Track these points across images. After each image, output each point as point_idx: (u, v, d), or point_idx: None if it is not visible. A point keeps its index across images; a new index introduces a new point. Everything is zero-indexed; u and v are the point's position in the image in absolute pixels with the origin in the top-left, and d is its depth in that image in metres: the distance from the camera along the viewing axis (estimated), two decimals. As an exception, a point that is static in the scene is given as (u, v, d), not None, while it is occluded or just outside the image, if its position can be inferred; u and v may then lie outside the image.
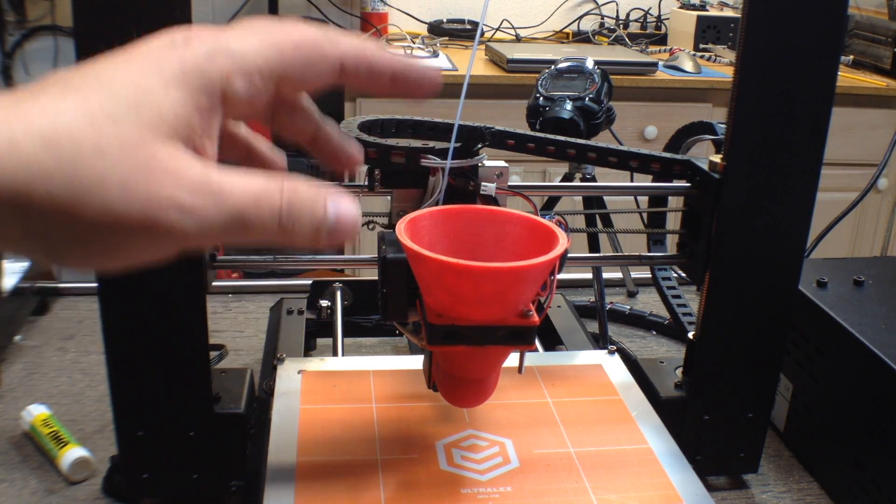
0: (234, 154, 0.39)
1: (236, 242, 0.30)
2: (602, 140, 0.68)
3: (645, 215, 0.79)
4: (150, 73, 0.29)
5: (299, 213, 0.31)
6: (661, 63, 2.09)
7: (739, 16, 0.55)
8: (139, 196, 0.27)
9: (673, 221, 0.70)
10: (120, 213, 0.27)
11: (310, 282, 0.82)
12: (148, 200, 0.27)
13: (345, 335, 0.73)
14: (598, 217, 0.89)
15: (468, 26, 2.47)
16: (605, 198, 0.90)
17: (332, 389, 0.56)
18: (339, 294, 0.79)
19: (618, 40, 2.46)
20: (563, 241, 0.42)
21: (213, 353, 0.71)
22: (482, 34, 2.43)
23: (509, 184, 0.56)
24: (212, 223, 0.29)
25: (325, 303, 0.78)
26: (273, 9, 2.44)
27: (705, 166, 0.60)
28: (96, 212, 0.26)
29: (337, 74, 0.34)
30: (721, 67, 2.16)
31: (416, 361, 0.57)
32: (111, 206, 0.27)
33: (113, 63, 0.29)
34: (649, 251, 0.78)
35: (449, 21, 2.49)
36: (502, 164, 0.56)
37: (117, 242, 0.28)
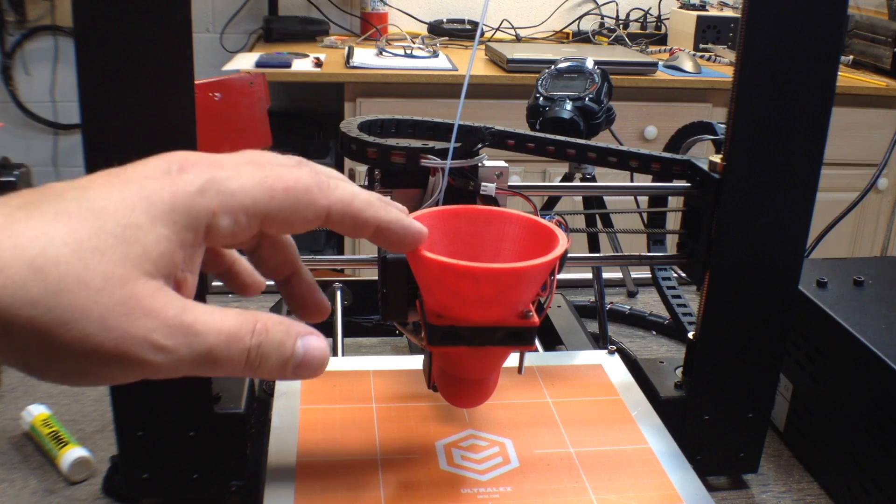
0: (215, 269, 0.40)
1: (203, 375, 0.32)
2: (602, 140, 0.68)
3: (645, 215, 0.79)
4: (140, 206, 0.30)
5: (267, 353, 0.32)
6: (661, 63, 2.09)
7: (739, 16, 0.55)
8: (116, 331, 0.28)
9: (673, 221, 0.70)
10: (97, 345, 0.28)
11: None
12: (123, 336, 0.28)
13: (345, 335, 0.73)
14: (598, 217, 0.89)
15: (468, 26, 2.47)
16: (605, 198, 0.90)
17: (332, 389, 0.56)
18: (339, 294, 0.79)
19: (618, 40, 2.46)
20: (563, 241, 0.42)
21: (213, 353, 0.71)
22: (482, 34, 2.43)
23: (509, 184, 0.56)
24: (182, 360, 0.30)
25: (325, 303, 0.78)
26: (273, 9, 2.44)
27: (705, 166, 0.60)
28: (74, 340, 0.28)
29: (322, 222, 0.35)
30: (721, 67, 2.16)
31: (416, 361, 0.57)
32: (89, 336, 0.28)
33: (108, 188, 0.30)
34: (649, 251, 0.78)
35: (449, 21, 2.49)
36: (502, 164, 0.56)
37: (91, 367, 0.29)
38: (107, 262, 0.28)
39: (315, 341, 0.34)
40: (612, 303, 0.98)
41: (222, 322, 0.31)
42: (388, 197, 0.57)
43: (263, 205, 0.33)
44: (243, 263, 0.41)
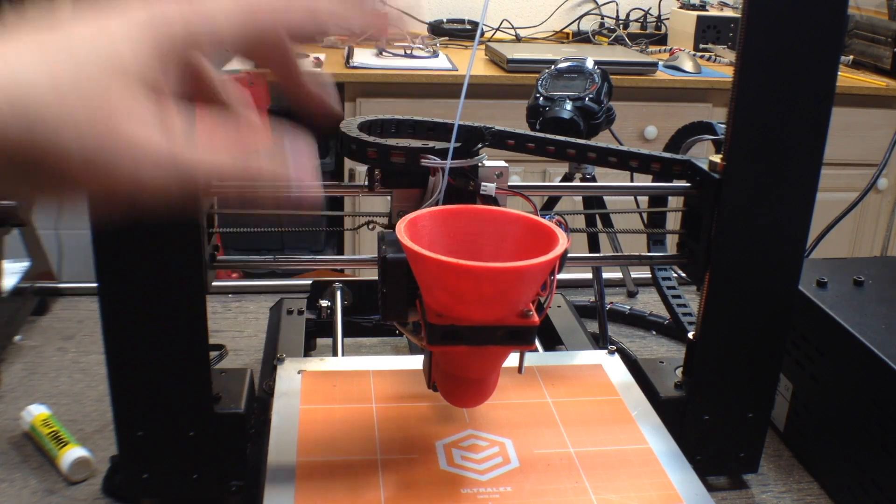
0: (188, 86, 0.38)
1: (196, 188, 0.30)
2: (602, 140, 0.68)
3: (645, 215, 0.79)
4: (116, 21, 0.29)
5: (256, 150, 0.31)
6: (661, 63, 2.09)
7: (739, 16, 0.55)
8: (95, 135, 0.27)
9: (673, 221, 0.70)
10: (75, 152, 0.27)
11: (310, 282, 0.82)
12: (104, 139, 0.27)
13: (345, 335, 0.73)
14: (598, 217, 0.89)
15: (468, 26, 2.47)
16: (605, 198, 0.90)
17: (332, 389, 0.56)
18: (339, 294, 0.79)
19: (618, 40, 2.46)
20: (563, 241, 0.42)
21: (213, 353, 0.71)
22: (482, 34, 2.43)
23: (509, 184, 0.56)
24: (166, 160, 0.29)
25: (325, 303, 0.78)
26: (273, 9, 2.43)
27: (705, 166, 0.60)
28: (51, 149, 0.27)
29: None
30: (721, 67, 2.16)
31: (416, 361, 0.57)
32: (66, 145, 0.27)
33: (81, 14, 0.30)
34: (649, 251, 0.78)
35: (449, 21, 2.49)
36: (502, 164, 0.56)
37: (73, 181, 0.28)
38: (80, 68, 0.27)
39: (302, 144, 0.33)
40: (612, 303, 0.98)
41: (203, 120, 0.31)
42: (389, 197, 0.57)
43: (242, 28, 0.33)
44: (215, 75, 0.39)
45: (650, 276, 0.84)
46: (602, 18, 2.59)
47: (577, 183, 0.86)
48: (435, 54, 2.14)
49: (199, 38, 0.31)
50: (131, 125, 0.28)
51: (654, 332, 0.96)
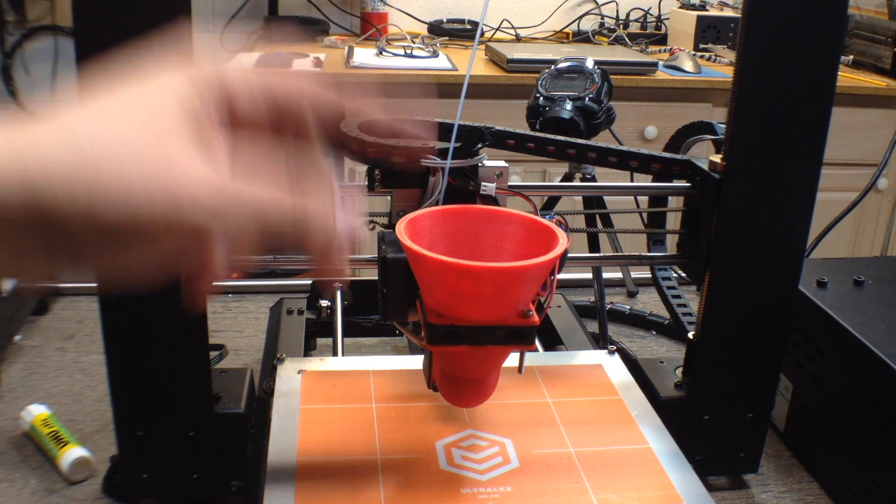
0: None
1: (257, 246, 0.31)
2: (602, 140, 0.68)
3: (645, 215, 0.79)
4: (162, 85, 0.31)
5: (313, 215, 0.32)
6: (661, 63, 2.09)
7: (739, 16, 0.55)
8: (163, 195, 0.28)
9: (673, 221, 0.70)
10: (144, 214, 0.27)
11: (310, 282, 0.82)
12: (171, 199, 0.28)
13: (345, 335, 0.73)
14: (598, 217, 0.89)
15: (468, 26, 2.47)
16: (605, 198, 0.90)
17: (332, 389, 0.56)
18: (339, 294, 0.79)
19: (618, 40, 2.46)
20: (563, 241, 0.42)
21: (213, 353, 0.71)
22: (482, 34, 2.43)
23: (509, 184, 0.56)
24: (233, 219, 0.30)
25: (325, 303, 0.78)
26: (273, 9, 2.44)
27: (705, 166, 0.60)
28: (119, 213, 0.27)
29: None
30: (721, 67, 2.16)
31: (416, 361, 0.57)
32: (136, 206, 0.27)
33: (128, 81, 0.31)
34: (649, 251, 0.78)
35: (449, 21, 2.49)
36: (502, 164, 0.55)
37: (139, 242, 0.28)
38: (139, 131, 0.29)
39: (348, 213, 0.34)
40: (612, 303, 0.98)
41: (260, 184, 0.31)
42: (389, 197, 0.57)
43: (266, 87, 0.35)
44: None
45: (650, 276, 0.84)
46: (602, 18, 2.59)
47: (577, 183, 0.86)
48: (435, 54, 2.14)
49: (235, 91, 0.33)
50: (195, 185, 0.29)
51: (654, 332, 0.96)
